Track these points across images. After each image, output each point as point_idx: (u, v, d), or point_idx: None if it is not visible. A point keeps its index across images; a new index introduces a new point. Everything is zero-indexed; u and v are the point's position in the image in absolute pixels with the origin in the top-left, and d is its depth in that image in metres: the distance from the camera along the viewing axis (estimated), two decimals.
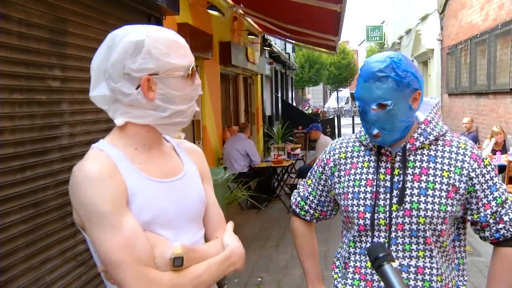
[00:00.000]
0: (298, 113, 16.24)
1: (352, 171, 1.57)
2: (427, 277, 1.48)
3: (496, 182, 1.51)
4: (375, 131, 1.45)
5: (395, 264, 1.11)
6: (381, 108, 1.42)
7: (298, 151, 10.32)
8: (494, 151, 7.33)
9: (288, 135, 13.63)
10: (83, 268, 3.33)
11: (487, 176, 1.50)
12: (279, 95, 18.32)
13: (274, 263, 5.20)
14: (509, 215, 1.49)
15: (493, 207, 1.49)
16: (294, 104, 22.90)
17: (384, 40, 26.16)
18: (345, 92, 44.05)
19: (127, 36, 1.19)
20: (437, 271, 1.49)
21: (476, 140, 9.17)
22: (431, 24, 14.13)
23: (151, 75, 1.19)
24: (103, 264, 1.19)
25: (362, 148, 1.60)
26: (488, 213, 1.49)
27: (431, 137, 1.50)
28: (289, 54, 20.62)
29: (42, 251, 2.97)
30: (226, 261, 1.29)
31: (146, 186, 1.23)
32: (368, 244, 1.53)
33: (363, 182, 1.53)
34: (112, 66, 1.19)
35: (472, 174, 1.48)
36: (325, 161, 1.67)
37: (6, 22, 2.72)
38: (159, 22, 5.01)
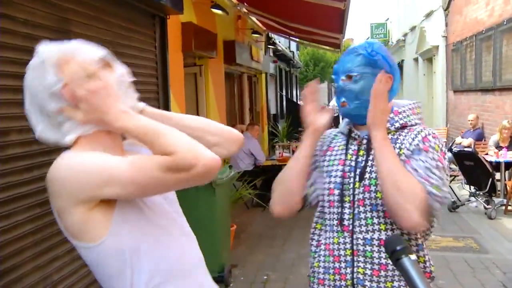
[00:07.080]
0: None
1: (328, 153, 1.73)
2: None
3: (433, 163, 1.49)
4: (342, 99, 1.63)
5: (413, 256, 1.12)
6: (349, 79, 1.60)
7: None
8: (500, 147, 7.27)
9: (293, 133, 13.61)
10: None
11: (430, 151, 1.51)
12: (284, 93, 18.31)
13: (280, 261, 5.19)
14: (432, 179, 1.47)
15: (417, 169, 1.49)
16: (299, 102, 22.86)
17: (388, 37, 26.05)
18: None
19: (28, 67, 1.28)
20: None
21: (482, 137, 9.11)
22: (435, 20, 14.06)
23: (66, 85, 1.23)
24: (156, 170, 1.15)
25: (339, 134, 1.77)
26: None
27: (397, 125, 1.61)
28: (293, 52, 20.59)
29: (49, 249, 2.99)
30: None
31: None
32: (335, 222, 1.62)
33: (336, 162, 1.68)
34: (36, 97, 1.26)
35: (416, 146, 1.53)
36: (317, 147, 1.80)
37: (11, 23, 2.74)
38: (163, 22, 5.02)
